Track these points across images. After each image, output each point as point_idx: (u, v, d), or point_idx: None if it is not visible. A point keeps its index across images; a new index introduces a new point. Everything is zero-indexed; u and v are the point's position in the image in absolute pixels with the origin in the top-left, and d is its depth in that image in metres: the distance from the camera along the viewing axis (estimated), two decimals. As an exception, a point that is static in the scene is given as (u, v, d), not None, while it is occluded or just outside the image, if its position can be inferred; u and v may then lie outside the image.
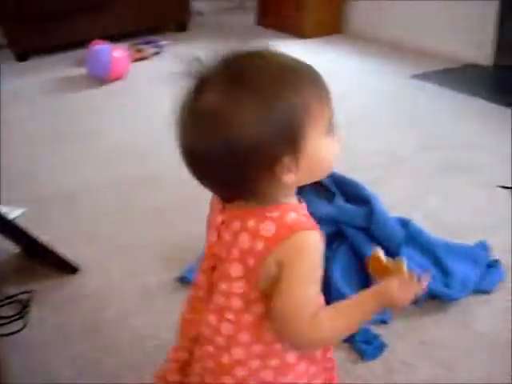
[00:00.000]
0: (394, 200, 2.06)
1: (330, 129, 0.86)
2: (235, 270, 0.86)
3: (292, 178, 0.82)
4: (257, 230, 0.83)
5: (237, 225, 0.86)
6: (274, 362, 0.90)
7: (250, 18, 4.78)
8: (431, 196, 2.25)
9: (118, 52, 3.57)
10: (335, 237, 1.71)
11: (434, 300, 1.63)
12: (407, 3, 4.14)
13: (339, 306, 0.90)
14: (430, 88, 3.42)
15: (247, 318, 0.88)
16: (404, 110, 3.13)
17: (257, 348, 0.89)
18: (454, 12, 3.93)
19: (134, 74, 3.66)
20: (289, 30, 4.36)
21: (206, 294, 0.94)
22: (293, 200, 0.89)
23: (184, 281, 1.76)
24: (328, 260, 1.64)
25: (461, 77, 3.66)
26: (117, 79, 3.55)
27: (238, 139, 0.78)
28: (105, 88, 3.49)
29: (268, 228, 0.83)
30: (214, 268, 0.91)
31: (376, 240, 1.63)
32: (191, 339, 0.96)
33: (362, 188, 1.83)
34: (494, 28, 3.72)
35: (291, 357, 0.91)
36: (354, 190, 1.82)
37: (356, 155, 2.53)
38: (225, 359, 0.90)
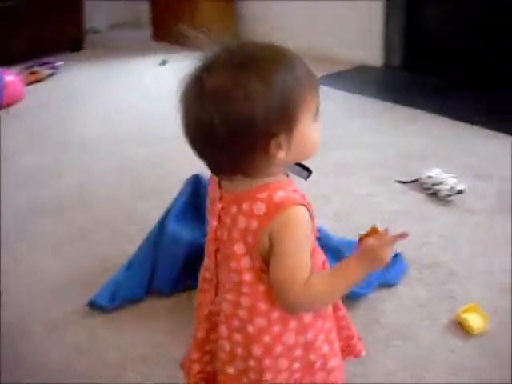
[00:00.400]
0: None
1: (317, 114, 0.97)
2: (239, 248, 0.96)
3: (283, 156, 0.91)
4: (250, 211, 0.94)
5: (234, 209, 0.96)
6: (293, 325, 1.01)
7: (145, 33, 4.76)
8: (334, 196, 2.34)
9: (10, 76, 3.46)
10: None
11: (343, 298, 1.70)
12: (297, 8, 4.26)
13: (329, 271, 1.05)
14: (325, 90, 3.52)
15: (261, 288, 0.98)
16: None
17: (275, 314, 0.99)
18: (343, 15, 4.07)
19: (29, 98, 3.56)
20: (184, 43, 4.37)
21: (212, 275, 1.06)
22: (281, 177, 0.99)
23: (94, 305, 1.76)
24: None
25: (353, 78, 3.81)
26: (11, 104, 3.43)
27: (244, 112, 0.87)
28: (-1, 113, 3.37)
29: (259, 208, 0.93)
30: (217, 251, 1.03)
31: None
32: (204, 318, 1.09)
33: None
34: (382, 29, 3.90)
35: (307, 317, 1.02)
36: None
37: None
38: (250, 329, 1.00)
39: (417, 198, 2.31)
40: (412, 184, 2.39)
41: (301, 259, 0.95)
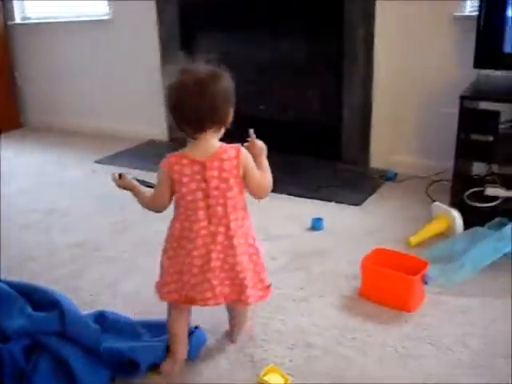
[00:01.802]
0: (97, 288, 2.07)
1: None
2: (232, 181, 1.60)
3: (230, 120, 1.61)
4: (228, 156, 1.59)
5: (217, 163, 1.58)
6: (247, 222, 1.69)
7: None
8: (133, 276, 2.28)
9: None
10: (34, 348, 1.62)
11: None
12: (82, 90, 4.26)
13: (262, 170, 1.68)
14: (114, 170, 3.50)
15: (241, 198, 1.65)
16: (93, 196, 3.15)
17: (245, 221, 1.67)
18: (125, 90, 4.15)
19: None
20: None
21: (208, 218, 1.61)
22: (200, 147, 1.60)
23: None
24: (29, 374, 1.56)
25: (142, 155, 3.84)
26: None
27: (219, 92, 1.55)
28: None
29: (231, 153, 1.60)
30: (206, 198, 1.59)
31: (74, 341, 1.61)
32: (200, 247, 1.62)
33: (49, 292, 1.80)
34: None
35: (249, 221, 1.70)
36: (42, 296, 1.78)
37: (54, 251, 2.50)
38: (245, 226, 1.68)
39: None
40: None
41: (257, 171, 1.67)
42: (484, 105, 2.73)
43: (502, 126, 2.76)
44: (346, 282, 2.21)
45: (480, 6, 2.59)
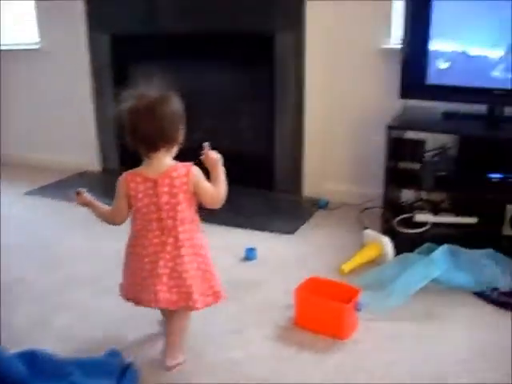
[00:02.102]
0: (28, 325, 2.02)
1: None
2: (181, 198, 1.76)
3: (181, 140, 1.77)
4: (178, 174, 1.75)
5: (167, 180, 1.74)
6: (197, 234, 1.86)
7: None
8: (60, 315, 2.21)
9: None
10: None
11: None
12: (13, 120, 4.16)
13: (216, 182, 1.83)
14: (46, 202, 3.43)
15: (191, 214, 1.82)
16: (23, 232, 3.05)
17: (193, 233, 1.84)
18: (58, 120, 4.07)
19: None
20: None
21: (160, 229, 1.78)
22: (153, 166, 1.77)
23: None
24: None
25: (74, 186, 3.73)
26: None
27: (168, 115, 1.72)
28: None
29: (182, 171, 1.76)
30: (158, 211, 1.77)
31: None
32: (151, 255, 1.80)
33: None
34: (96, 136, 3.99)
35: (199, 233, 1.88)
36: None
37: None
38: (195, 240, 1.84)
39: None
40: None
41: (209, 184, 1.82)
42: (410, 134, 2.82)
43: (427, 154, 2.86)
44: (280, 311, 2.20)
45: (404, 39, 2.69)
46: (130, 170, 1.80)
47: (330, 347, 1.99)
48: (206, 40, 3.44)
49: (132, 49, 3.69)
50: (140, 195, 1.77)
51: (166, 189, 1.74)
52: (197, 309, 1.82)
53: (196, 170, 1.77)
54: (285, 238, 2.90)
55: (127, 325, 2.14)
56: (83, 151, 4.05)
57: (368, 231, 2.69)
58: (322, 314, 2.05)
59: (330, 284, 2.18)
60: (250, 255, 2.64)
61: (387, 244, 2.55)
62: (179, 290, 1.78)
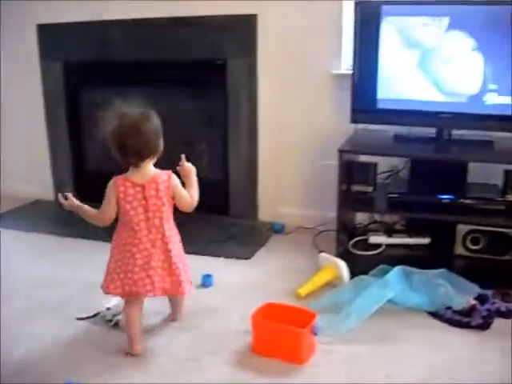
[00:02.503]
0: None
1: None
2: (165, 200, 2.04)
3: (161, 149, 2.06)
4: (162, 180, 2.03)
5: (154, 185, 2.01)
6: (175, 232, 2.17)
7: None
8: (20, 346, 2.14)
9: None
10: None
11: None
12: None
13: (190, 188, 2.12)
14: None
15: (171, 214, 2.10)
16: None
17: (173, 230, 2.15)
18: (12, 150, 4.01)
19: None
20: None
21: (147, 228, 2.05)
22: (140, 174, 2.03)
23: None
24: None
25: (26, 215, 3.68)
26: None
27: (151, 130, 2.00)
28: None
29: (164, 178, 2.04)
30: (146, 213, 2.03)
31: None
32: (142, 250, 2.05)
33: None
34: (50, 165, 3.94)
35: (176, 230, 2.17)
36: None
37: None
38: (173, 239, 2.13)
39: (99, 331, 2.26)
40: (94, 318, 2.33)
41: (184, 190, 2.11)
42: (362, 157, 2.86)
43: (379, 177, 2.91)
44: (237, 338, 2.19)
45: (354, 65, 2.75)
46: (120, 176, 2.03)
47: (288, 372, 1.99)
48: (158, 67, 3.45)
49: (85, 76, 3.67)
50: (129, 198, 2.01)
51: (153, 192, 2.02)
52: (184, 294, 2.16)
53: (174, 177, 2.07)
54: (241, 263, 2.89)
55: (86, 354, 2.11)
56: (38, 180, 3.98)
57: (323, 254, 2.71)
58: (279, 339, 2.05)
59: (286, 309, 2.18)
60: (206, 282, 2.62)
61: (342, 267, 2.57)
62: (171, 279, 2.08)
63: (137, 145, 1.96)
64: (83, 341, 2.19)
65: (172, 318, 2.34)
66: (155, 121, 2.03)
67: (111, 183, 2.03)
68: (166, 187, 2.04)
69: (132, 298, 2.08)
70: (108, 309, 2.32)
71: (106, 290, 2.10)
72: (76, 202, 2.09)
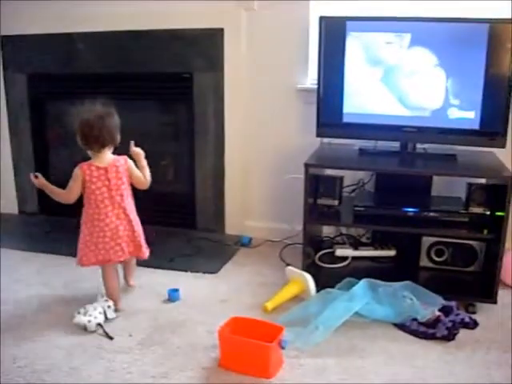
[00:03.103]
0: None
1: None
2: (124, 180, 2.45)
3: (119, 140, 2.47)
4: (120, 163, 2.44)
5: (114, 168, 2.41)
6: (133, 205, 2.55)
7: None
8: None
9: None
10: None
11: None
12: None
13: (141, 169, 2.53)
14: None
15: (130, 191, 2.50)
16: None
17: (131, 203, 2.53)
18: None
19: None
20: None
21: (112, 205, 2.42)
22: (101, 159, 2.42)
23: None
24: None
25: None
26: None
27: (112, 124, 2.43)
28: None
29: (121, 161, 2.46)
30: (109, 191, 2.41)
31: None
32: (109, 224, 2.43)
33: None
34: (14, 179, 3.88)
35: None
36: None
37: None
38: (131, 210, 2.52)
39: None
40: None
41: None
42: (328, 171, 2.89)
43: (345, 190, 2.94)
44: (205, 353, 2.18)
45: (318, 79, 2.78)
46: (85, 162, 2.42)
47: (255, 387, 1.98)
48: (124, 79, 3.44)
49: (50, 88, 3.64)
50: (94, 179, 2.40)
51: (113, 174, 2.42)
52: (145, 257, 2.57)
53: (130, 160, 2.50)
54: (208, 277, 2.88)
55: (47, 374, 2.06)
56: (0, 193, 3.92)
57: (290, 268, 2.71)
58: (246, 353, 2.04)
59: (253, 323, 2.17)
60: (172, 296, 2.60)
61: (309, 280, 2.58)
62: (134, 244, 2.49)
63: (101, 134, 2.38)
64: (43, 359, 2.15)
65: (129, 284, 2.73)
66: (116, 117, 2.46)
67: (77, 168, 2.42)
68: (124, 169, 2.46)
69: (105, 264, 2.47)
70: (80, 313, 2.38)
71: (81, 262, 2.47)
72: (44, 180, 2.43)
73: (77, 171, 2.41)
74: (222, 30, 3.17)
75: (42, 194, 3.76)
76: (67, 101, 3.41)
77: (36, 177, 2.42)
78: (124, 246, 2.45)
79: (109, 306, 2.42)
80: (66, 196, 2.43)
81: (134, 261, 2.71)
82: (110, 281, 2.53)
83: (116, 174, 2.42)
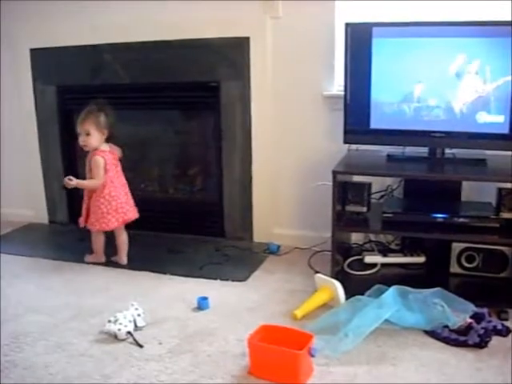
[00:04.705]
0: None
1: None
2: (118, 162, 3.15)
3: (106, 134, 3.03)
4: (113, 148, 3.11)
5: (112, 151, 3.10)
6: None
7: None
8: (9, 374, 2.11)
9: None
10: None
11: None
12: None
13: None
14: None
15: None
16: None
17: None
18: (11, 176, 4.01)
19: None
20: None
21: (120, 181, 3.11)
22: (105, 147, 3.05)
23: None
24: None
25: (19, 239, 3.66)
26: None
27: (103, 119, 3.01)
28: None
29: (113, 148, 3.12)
30: (117, 169, 3.10)
31: None
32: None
33: None
34: (44, 189, 3.93)
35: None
36: None
37: None
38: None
39: (95, 357, 2.24)
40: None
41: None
42: (356, 177, 2.88)
43: (373, 197, 2.92)
44: (234, 361, 2.18)
45: (345, 86, 2.77)
46: (95, 151, 2.98)
47: (285, 395, 1.97)
48: (152, 90, 3.47)
49: (78, 100, 3.68)
50: (109, 161, 2.99)
51: (115, 157, 3.05)
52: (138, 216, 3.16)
53: (97, 159, 3.00)
54: (237, 285, 2.88)
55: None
56: (30, 203, 3.98)
57: (319, 275, 2.70)
58: (276, 361, 2.03)
59: (283, 330, 2.17)
60: (202, 305, 2.61)
61: (338, 287, 2.57)
62: (133, 205, 3.15)
63: (110, 124, 3.00)
64: (76, 368, 2.16)
65: (121, 260, 3.16)
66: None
67: (98, 157, 2.96)
68: (116, 151, 3.10)
69: (122, 224, 3.11)
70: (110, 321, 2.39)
71: (106, 227, 3.04)
72: (76, 180, 2.95)
73: (98, 159, 2.96)
74: (247, 38, 3.18)
75: (71, 204, 3.85)
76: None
77: (70, 180, 2.91)
78: (133, 205, 3.14)
79: (139, 315, 2.44)
80: (99, 182, 2.98)
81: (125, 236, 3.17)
82: (98, 243, 3.16)
83: (115, 155, 3.06)
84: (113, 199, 3.00)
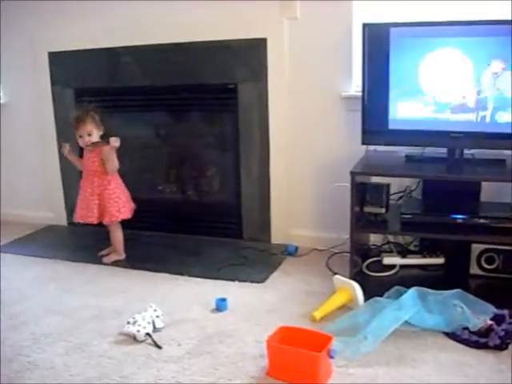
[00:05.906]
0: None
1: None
2: None
3: (101, 132, 3.18)
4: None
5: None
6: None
7: None
8: (30, 375, 2.13)
9: None
10: None
11: None
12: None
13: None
14: (10, 259, 3.37)
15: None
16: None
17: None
18: (20, 176, 4.05)
19: None
20: None
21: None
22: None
23: None
24: None
25: (39, 241, 3.70)
26: None
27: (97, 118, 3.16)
28: None
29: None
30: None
31: None
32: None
33: None
34: (63, 191, 3.96)
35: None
36: None
37: None
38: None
39: (114, 358, 2.26)
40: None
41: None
42: (374, 178, 2.86)
43: (392, 197, 2.91)
44: (253, 362, 2.17)
45: (363, 87, 2.76)
46: (99, 141, 3.13)
47: (304, 397, 1.97)
48: (169, 92, 3.49)
49: (96, 102, 3.70)
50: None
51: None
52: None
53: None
54: (255, 286, 2.88)
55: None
56: (50, 205, 4.01)
57: (337, 276, 2.69)
58: (294, 363, 2.03)
59: (301, 332, 2.16)
60: (220, 306, 2.61)
61: (357, 289, 2.56)
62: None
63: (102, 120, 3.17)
64: (96, 369, 2.17)
65: (113, 255, 3.27)
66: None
67: (108, 147, 3.10)
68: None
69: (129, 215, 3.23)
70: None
71: (123, 216, 3.18)
72: (106, 152, 3.13)
73: (109, 149, 3.11)
74: (265, 39, 3.19)
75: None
76: (113, 114, 3.51)
77: (109, 142, 3.11)
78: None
79: (157, 316, 2.44)
80: (117, 164, 3.16)
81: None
82: (118, 236, 3.27)
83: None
84: (122, 190, 3.22)
